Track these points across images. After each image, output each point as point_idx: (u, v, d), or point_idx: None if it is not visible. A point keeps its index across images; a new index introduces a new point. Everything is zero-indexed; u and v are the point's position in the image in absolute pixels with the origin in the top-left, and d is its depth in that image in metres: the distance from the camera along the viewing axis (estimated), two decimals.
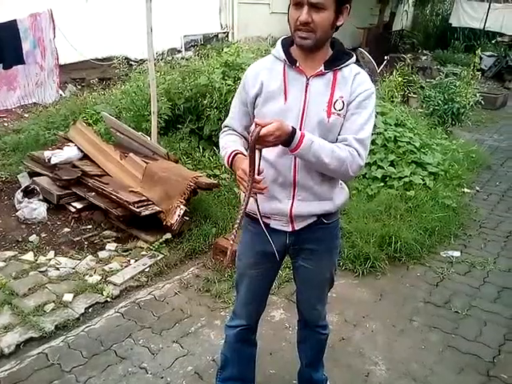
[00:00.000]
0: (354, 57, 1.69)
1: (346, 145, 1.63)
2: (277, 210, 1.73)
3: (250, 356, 2.14)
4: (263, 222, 1.74)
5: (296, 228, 1.77)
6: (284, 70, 1.65)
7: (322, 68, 1.63)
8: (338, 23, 1.59)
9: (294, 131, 1.53)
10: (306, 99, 1.63)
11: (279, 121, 1.50)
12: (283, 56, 1.65)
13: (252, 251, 1.88)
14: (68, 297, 2.96)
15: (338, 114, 1.63)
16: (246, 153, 1.67)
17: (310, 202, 1.72)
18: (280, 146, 1.57)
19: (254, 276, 1.91)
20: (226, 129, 1.86)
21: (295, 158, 1.66)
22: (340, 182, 1.81)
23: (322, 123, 1.63)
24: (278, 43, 1.70)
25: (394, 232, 3.63)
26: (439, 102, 6.84)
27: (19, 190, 4.06)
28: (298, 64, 1.63)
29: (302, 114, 1.63)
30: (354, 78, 1.64)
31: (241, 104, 1.78)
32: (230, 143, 1.76)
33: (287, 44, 1.67)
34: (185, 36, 9.61)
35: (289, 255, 1.92)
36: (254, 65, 1.76)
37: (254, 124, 1.52)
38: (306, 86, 1.63)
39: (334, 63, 1.64)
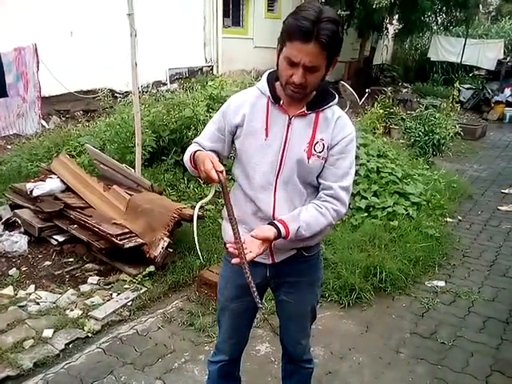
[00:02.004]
0: (337, 98, 1.70)
1: (331, 195, 1.65)
2: None
3: None
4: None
5: (276, 260, 1.76)
6: (267, 105, 1.66)
7: (304, 109, 1.64)
8: (328, 74, 1.60)
9: (279, 232, 1.57)
10: (287, 138, 1.64)
11: (267, 238, 1.55)
12: (268, 92, 1.67)
13: (233, 285, 1.85)
14: (48, 332, 2.88)
15: (318, 156, 1.64)
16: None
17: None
18: (260, 180, 1.65)
19: (236, 310, 1.88)
20: (195, 144, 1.82)
21: (274, 194, 1.67)
22: None
23: (301, 163, 1.64)
24: (264, 78, 1.71)
25: (379, 262, 3.63)
26: (420, 133, 7.00)
27: (0, 223, 4.00)
28: (281, 103, 1.65)
29: (283, 152, 1.64)
30: (336, 123, 1.66)
31: (216, 130, 1.76)
32: (193, 148, 1.75)
33: (273, 79, 1.68)
34: (170, 69, 9.72)
35: (271, 289, 1.91)
36: (238, 95, 1.75)
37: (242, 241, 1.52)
38: (288, 125, 1.64)
39: (316, 105, 1.65)
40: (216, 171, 1.51)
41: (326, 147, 1.64)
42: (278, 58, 1.56)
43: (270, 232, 1.56)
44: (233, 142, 1.75)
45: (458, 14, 12.83)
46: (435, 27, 14.33)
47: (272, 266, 1.78)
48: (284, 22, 1.51)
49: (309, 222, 1.62)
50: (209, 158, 1.55)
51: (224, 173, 1.53)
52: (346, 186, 1.67)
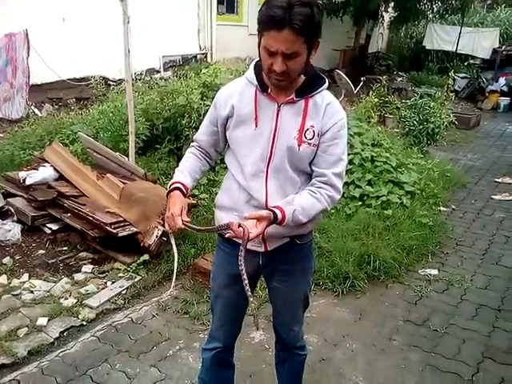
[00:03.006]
0: (327, 82, 1.69)
1: (324, 182, 1.66)
2: None
3: (228, 379, 2.11)
4: (236, 243, 1.73)
5: (269, 248, 1.76)
6: (255, 95, 1.65)
7: (293, 96, 1.63)
8: (311, 58, 1.57)
9: (275, 215, 1.56)
10: (276, 126, 1.64)
11: (261, 217, 1.55)
12: (255, 81, 1.66)
13: (225, 272, 1.85)
14: (42, 321, 2.88)
15: (309, 144, 1.64)
16: (188, 183, 1.76)
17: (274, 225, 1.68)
18: (251, 169, 1.67)
19: (229, 297, 1.88)
20: (195, 144, 1.89)
21: (266, 183, 1.67)
22: None
23: (292, 150, 1.64)
24: (251, 67, 1.70)
25: (373, 251, 3.65)
26: (414, 122, 6.99)
27: None
28: (269, 91, 1.64)
29: (273, 141, 1.64)
30: (326, 109, 1.65)
31: (210, 123, 1.80)
32: (183, 165, 1.83)
33: (260, 68, 1.65)
34: (163, 56, 9.64)
35: (264, 277, 1.91)
36: (227, 87, 1.76)
37: (238, 223, 1.55)
38: (277, 113, 1.63)
39: (305, 91, 1.64)
40: (182, 221, 1.62)
41: (316, 134, 1.64)
42: (259, 48, 1.56)
43: (264, 213, 1.56)
44: (225, 133, 1.75)
45: (453, 2, 12.76)
46: (431, 15, 14.24)
47: (265, 254, 1.78)
48: (259, 12, 1.50)
49: (304, 206, 1.62)
50: (179, 205, 1.64)
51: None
52: (339, 172, 1.68)
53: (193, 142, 1.91)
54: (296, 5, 1.41)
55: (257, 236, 1.55)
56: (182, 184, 1.74)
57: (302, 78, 1.64)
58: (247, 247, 1.59)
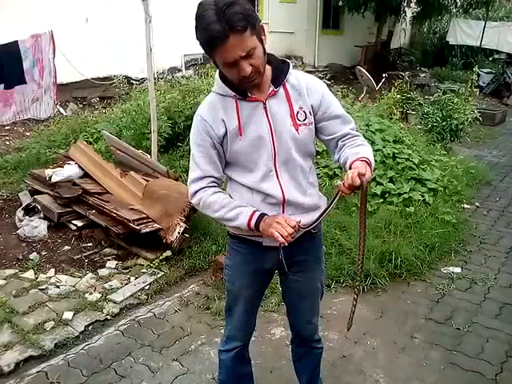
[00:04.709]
0: (290, 62, 1.71)
1: (351, 136, 1.69)
2: None
3: (249, 373, 2.14)
4: (255, 242, 1.75)
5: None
6: (236, 104, 1.63)
7: (272, 88, 1.64)
8: (265, 44, 1.56)
9: (364, 160, 1.53)
10: (270, 123, 1.64)
11: (363, 166, 1.49)
12: (231, 92, 1.62)
13: (245, 272, 1.85)
14: (68, 315, 2.96)
15: (305, 124, 1.67)
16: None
17: (299, 216, 1.71)
18: (261, 171, 1.66)
19: (249, 296, 1.91)
20: (206, 182, 1.70)
21: (278, 178, 1.67)
22: (318, 190, 1.84)
23: (294, 138, 1.66)
24: (218, 80, 1.66)
25: (394, 248, 3.63)
26: (437, 118, 6.89)
27: (20, 208, 4.08)
28: (249, 95, 1.63)
29: (272, 137, 1.64)
30: (307, 88, 1.68)
31: (210, 150, 1.67)
32: (232, 202, 1.69)
33: (226, 78, 1.62)
34: (185, 55, 9.72)
35: (279, 272, 1.92)
36: (206, 106, 1.68)
37: (351, 174, 1.46)
38: (266, 111, 1.64)
39: (279, 78, 1.66)
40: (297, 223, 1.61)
41: (308, 113, 1.67)
42: (219, 68, 1.58)
43: (362, 164, 1.51)
44: (223, 150, 1.69)
45: None
46: (454, 10, 14.02)
47: (284, 248, 1.77)
48: (196, 37, 1.49)
49: (368, 153, 1.61)
50: (282, 223, 1.58)
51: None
52: (353, 126, 1.73)
53: (199, 186, 1.70)
54: (225, 9, 1.39)
55: (370, 178, 1.51)
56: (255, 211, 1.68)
57: (269, 68, 1.65)
58: (267, 244, 1.64)
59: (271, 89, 1.64)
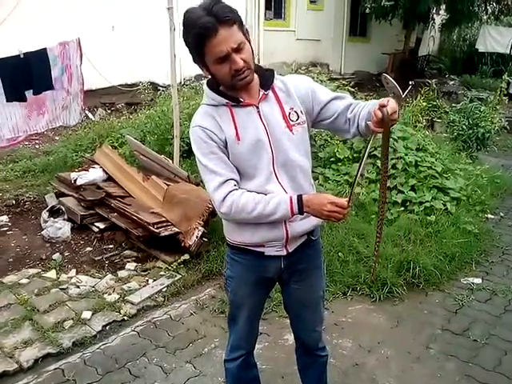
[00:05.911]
0: (274, 69, 1.76)
1: (357, 104, 1.71)
2: (273, 235, 1.73)
3: (256, 377, 2.15)
4: (257, 252, 1.77)
5: (290, 250, 1.78)
6: (230, 110, 1.65)
7: (262, 92, 1.67)
8: (252, 46, 1.62)
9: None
10: (265, 126, 1.66)
11: (394, 103, 1.51)
12: (224, 100, 1.64)
13: (247, 282, 1.86)
14: (87, 314, 3.04)
15: (298, 124, 1.69)
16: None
17: (301, 221, 1.73)
18: (264, 174, 1.67)
19: (252, 305, 1.92)
20: (231, 186, 1.64)
21: (278, 180, 1.69)
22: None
23: (290, 139, 1.68)
24: (207, 91, 1.68)
25: (413, 257, 3.58)
26: (463, 126, 6.78)
27: (45, 210, 4.21)
28: (242, 100, 1.65)
29: (269, 140, 1.66)
30: (294, 86, 1.72)
31: (220, 153, 1.65)
32: (263, 197, 1.64)
33: (216, 87, 1.66)
34: None
35: (281, 282, 1.93)
36: (202, 119, 1.67)
37: (378, 108, 1.48)
38: (260, 115, 1.66)
39: (267, 82, 1.70)
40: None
41: (299, 112, 1.70)
42: (210, 73, 1.61)
43: (382, 101, 1.52)
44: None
45: (509, 2, 12.29)
46: (485, 17, 13.76)
47: (286, 257, 1.80)
48: (186, 42, 1.54)
49: (376, 100, 1.62)
50: (330, 203, 1.58)
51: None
52: (351, 98, 1.76)
53: (224, 191, 1.63)
54: (212, 6, 1.48)
55: (394, 108, 1.49)
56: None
57: (256, 76, 1.68)
58: (269, 254, 1.69)
59: (261, 93, 1.67)
